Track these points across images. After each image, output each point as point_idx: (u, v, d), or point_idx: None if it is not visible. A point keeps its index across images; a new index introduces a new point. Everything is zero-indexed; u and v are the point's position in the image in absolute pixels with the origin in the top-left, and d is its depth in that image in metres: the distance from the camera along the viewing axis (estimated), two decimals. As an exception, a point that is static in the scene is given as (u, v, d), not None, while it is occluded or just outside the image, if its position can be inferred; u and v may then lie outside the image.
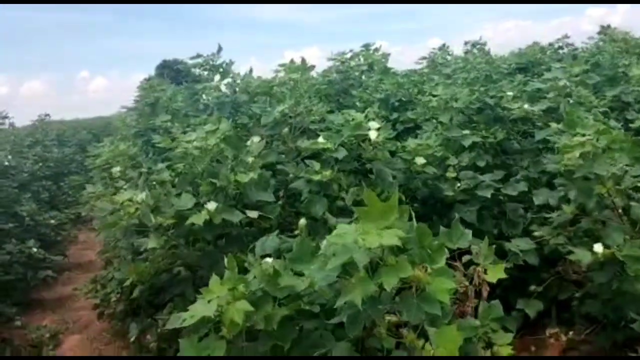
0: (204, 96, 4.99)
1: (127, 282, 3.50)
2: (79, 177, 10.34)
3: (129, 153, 4.78)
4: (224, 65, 4.64)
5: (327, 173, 3.52)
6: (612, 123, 4.12)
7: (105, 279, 4.93)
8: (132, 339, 4.09)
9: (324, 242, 2.01)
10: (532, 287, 3.89)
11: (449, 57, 8.07)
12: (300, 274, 2.12)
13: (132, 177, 4.48)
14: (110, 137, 7.11)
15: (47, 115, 15.12)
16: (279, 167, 3.84)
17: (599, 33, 8.09)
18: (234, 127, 4.40)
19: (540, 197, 3.86)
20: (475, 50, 8.02)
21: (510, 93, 4.31)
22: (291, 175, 3.75)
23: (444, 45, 8.41)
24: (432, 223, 4.09)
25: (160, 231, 3.34)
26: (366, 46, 6.89)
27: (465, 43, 8.43)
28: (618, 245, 2.98)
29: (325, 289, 1.97)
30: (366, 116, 3.78)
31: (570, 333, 3.86)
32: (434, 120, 4.59)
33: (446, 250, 2.52)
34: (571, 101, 4.21)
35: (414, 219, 1.89)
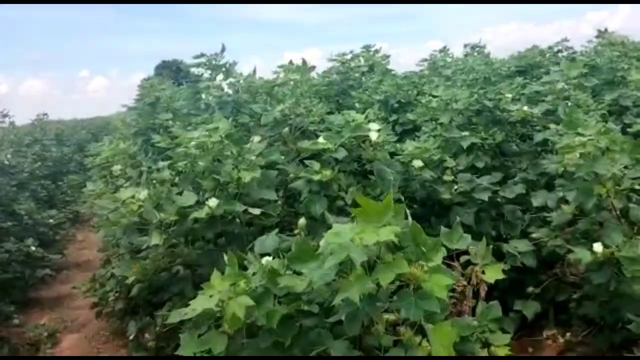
0: (204, 95, 5.00)
1: (128, 280, 3.50)
2: (78, 176, 10.36)
3: (129, 152, 4.79)
4: (227, 65, 4.65)
5: (328, 173, 3.54)
6: (610, 125, 4.16)
7: (104, 277, 4.94)
8: (130, 338, 4.10)
9: (322, 241, 2.03)
10: (530, 289, 3.91)
11: (449, 59, 8.09)
12: (299, 274, 2.14)
13: (131, 176, 4.49)
14: (109, 136, 7.12)
15: (45, 114, 15.18)
16: (279, 166, 3.85)
17: (597, 37, 8.11)
18: (234, 127, 4.43)
19: (538, 199, 3.88)
20: (475, 53, 8.05)
21: (509, 95, 4.34)
22: (291, 175, 3.77)
23: (444, 47, 8.44)
24: (430, 225, 4.16)
25: (161, 229, 3.35)
26: (367, 47, 6.93)
27: (465, 45, 8.47)
28: (617, 246, 3.00)
29: (324, 288, 1.99)
30: (366, 117, 3.80)
31: (568, 335, 3.88)
32: (434, 122, 4.61)
33: (444, 250, 2.58)
34: (569, 104, 4.23)
35: (409, 217, 1.91)
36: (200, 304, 2.01)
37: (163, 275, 3.78)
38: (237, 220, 3.51)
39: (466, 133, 4.28)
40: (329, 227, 2.17)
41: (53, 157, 11.56)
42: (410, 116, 5.06)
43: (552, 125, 3.93)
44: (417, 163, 3.88)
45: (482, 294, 2.48)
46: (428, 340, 1.93)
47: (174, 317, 2.19)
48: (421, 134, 4.66)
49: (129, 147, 4.82)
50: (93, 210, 4.16)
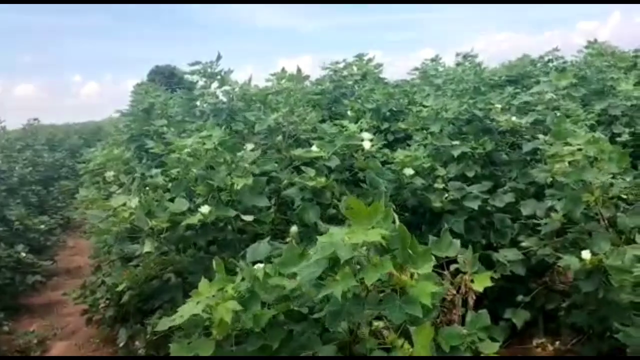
0: (198, 103, 5.02)
1: (119, 288, 3.51)
2: (69, 182, 10.32)
3: (123, 158, 4.79)
4: (222, 73, 4.69)
5: (322, 180, 3.56)
6: (599, 135, 4.21)
7: (94, 284, 4.92)
8: (120, 345, 4.08)
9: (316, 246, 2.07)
10: (520, 297, 3.95)
11: (440, 69, 8.15)
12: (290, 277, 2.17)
13: (124, 182, 4.49)
14: (101, 142, 7.11)
15: (36, 119, 15.16)
16: (272, 174, 3.87)
17: (586, 47, 8.21)
18: (229, 134, 4.46)
19: (527, 207, 3.92)
20: (466, 63, 8.12)
21: (498, 105, 4.39)
22: (284, 182, 3.79)
23: (436, 56, 8.51)
24: (421, 232, 4.19)
25: (153, 236, 3.36)
26: (359, 56, 6.98)
27: (457, 55, 8.53)
28: (605, 254, 3.04)
29: (311, 287, 2.01)
30: (359, 127, 3.84)
31: (557, 343, 3.92)
32: (425, 131, 4.65)
33: (434, 258, 2.60)
34: (558, 114, 4.28)
35: (397, 220, 1.94)
36: (188, 310, 2.04)
37: (154, 283, 3.78)
38: (229, 227, 3.53)
39: (457, 142, 4.33)
40: (322, 234, 2.22)
41: (45, 163, 11.51)
42: (401, 125, 5.10)
43: (541, 135, 3.97)
44: (409, 171, 3.92)
45: (471, 302, 2.50)
46: (411, 343, 1.96)
47: (163, 324, 2.20)
48: (412, 143, 4.70)
49: (122, 153, 4.83)
50: (85, 216, 4.16)
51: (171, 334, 2.33)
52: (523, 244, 3.84)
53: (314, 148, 3.72)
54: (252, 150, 3.66)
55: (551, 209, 3.70)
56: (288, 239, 3.10)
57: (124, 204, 3.40)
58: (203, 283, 2.26)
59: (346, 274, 1.87)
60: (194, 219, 3.11)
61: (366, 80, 6.56)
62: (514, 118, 4.32)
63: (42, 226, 8.05)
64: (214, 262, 2.38)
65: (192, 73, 4.56)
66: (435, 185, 4.03)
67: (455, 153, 4.28)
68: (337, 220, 3.55)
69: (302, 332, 2.17)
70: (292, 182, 3.60)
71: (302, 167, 3.60)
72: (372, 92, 5.83)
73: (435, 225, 4.13)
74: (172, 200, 3.37)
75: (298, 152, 3.79)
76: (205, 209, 3.17)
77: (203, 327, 2.15)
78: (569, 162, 3.13)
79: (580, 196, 3.14)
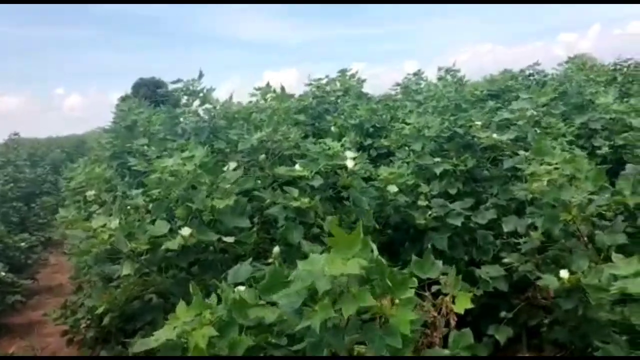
0: (182, 120, 5.00)
1: (98, 311, 3.46)
2: (52, 198, 10.19)
3: (104, 176, 4.74)
4: (204, 90, 4.68)
5: (306, 200, 3.56)
6: (577, 151, 4.28)
7: (75, 304, 4.84)
8: (102, 367, 4.02)
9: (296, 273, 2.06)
10: (503, 314, 3.97)
11: (422, 83, 8.23)
12: (273, 304, 2.15)
13: (106, 201, 4.44)
14: (84, 157, 7.04)
15: (16, 134, 14.98)
16: (255, 193, 3.86)
17: (567, 62, 8.38)
18: (211, 152, 4.44)
19: (509, 224, 3.96)
20: (448, 77, 8.21)
21: (478, 123, 4.44)
22: (267, 201, 3.78)
23: (418, 70, 8.59)
24: (404, 249, 4.20)
25: (133, 258, 3.33)
26: (342, 71, 7.03)
27: (439, 69, 8.62)
28: (583, 272, 3.07)
29: (292, 317, 2.00)
30: (342, 145, 3.86)
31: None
32: (407, 148, 4.68)
33: (416, 280, 2.61)
34: (538, 131, 4.34)
35: (375, 250, 1.94)
36: (163, 334, 2.03)
37: (135, 304, 3.74)
38: (211, 248, 3.50)
39: (438, 159, 4.36)
40: (305, 255, 2.22)
41: (26, 178, 11.36)
42: (384, 142, 5.13)
43: (522, 152, 4.02)
44: (392, 188, 3.93)
45: (453, 323, 2.50)
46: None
47: (139, 346, 2.18)
48: (396, 160, 4.73)
49: (104, 171, 4.77)
50: (65, 237, 4.11)
51: (154, 355, 2.31)
52: (505, 260, 3.88)
53: (297, 167, 3.72)
54: (234, 169, 3.65)
55: (532, 225, 3.75)
56: (270, 260, 3.09)
57: (104, 225, 3.36)
58: (181, 307, 2.25)
59: (325, 305, 1.86)
60: (174, 243, 3.08)
61: (349, 95, 6.59)
62: (494, 135, 4.37)
63: (23, 244, 7.94)
64: (190, 286, 2.37)
65: (174, 91, 4.54)
66: (419, 202, 4.05)
67: (438, 170, 4.32)
68: (321, 240, 3.56)
69: (282, 357, 2.15)
70: (274, 202, 3.58)
71: (285, 188, 3.60)
72: (355, 108, 5.86)
73: (418, 242, 4.16)
74: (152, 222, 3.33)
75: (281, 170, 3.79)
76: (185, 231, 3.14)
77: (181, 349, 2.14)
78: (547, 182, 3.16)
79: (558, 215, 3.18)
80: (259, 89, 5.31)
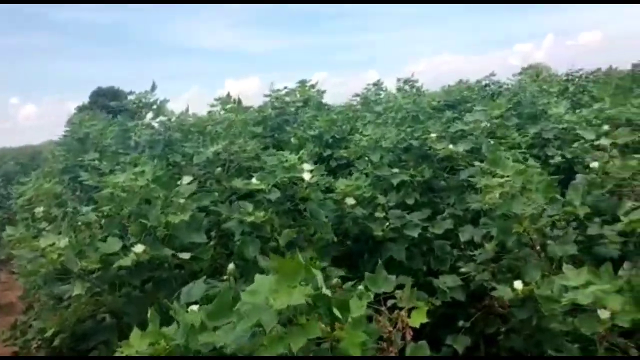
0: (138, 133, 4.88)
1: (48, 333, 3.32)
2: (2, 212, 9.79)
3: (54, 191, 4.58)
4: (157, 102, 4.58)
5: (261, 214, 3.52)
6: (531, 162, 4.38)
7: (25, 324, 4.65)
8: (53, 389, 3.86)
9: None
10: (461, 323, 4.01)
11: (382, 93, 8.33)
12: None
13: (56, 217, 4.29)
14: (38, 169, 6.80)
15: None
16: (211, 207, 3.80)
17: (520, 73, 8.65)
18: (166, 166, 4.34)
19: (465, 234, 4.01)
20: (406, 87, 8.34)
21: (434, 135, 4.50)
22: (224, 216, 3.72)
23: (378, 81, 8.69)
24: (363, 261, 4.21)
25: (83, 277, 3.22)
26: (302, 82, 7.02)
27: (398, 80, 8.74)
28: (536, 282, 3.13)
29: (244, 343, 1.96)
30: (299, 157, 3.84)
31: (497, 368, 3.98)
32: (366, 159, 4.71)
33: (371, 295, 2.61)
34: (492, 142, 4.43)
35: (320, 278, 1.90)
36: (117, 366, 1.94)
37: (87, 324, 3.61)
38: (166, 265, 3.42)
39: (396, 170, 4.40)
40: (262, 270, 2.18)
41: (-24, 192, 10.92)
42: (343, 153, 5.14)
43: (476, 163, 4.09)
44: (350, 201, 3.94)
45: (408, 337, 2.51)
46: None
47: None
48: (355, 171, 4.74)
49: (53, 187, 4.61)
50: (13, 255, 3.93)
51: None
52: (462, 270, 3.92)
53: (254, 180, 3.68)
54: (189, 183, 3.58)
55: (488, 234, 3.81)
56: (225, 277, 3.03)
57: (53, 244, 3.24)
58: (134, 334, 2.17)
59: (272, 338, 1.83)
60: (126, 261, 2.99)
61: (309, 106, 6.59)
62: (450, 146, 4.44)
63: (-29, 261, 7.59)
64: (153, 304, 2.31)
65: (128, 103, 4.44)
66: (376, 214, 4.07)
67: (395, 181, 4.35)
68: (279, 253, 3.52)
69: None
70: (230, 217, 3.53)
71: (240, 202, 3.55)
72: (315, 119, 5.86)
73: (377, 253, 4.16)
74: (104, 239, 3.23)
75: (238, 183, 3.74)
76: (138, 248, 3.06)
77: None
78: (499, 194, 3.22)
79: (510, 226, 3.24)
80: (218, 99, 5.25)
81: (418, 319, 2.48)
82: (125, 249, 3.23)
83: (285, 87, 6.60)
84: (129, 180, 3.32)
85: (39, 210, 4.20)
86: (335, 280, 2.84)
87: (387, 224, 4.06)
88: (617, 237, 3.35)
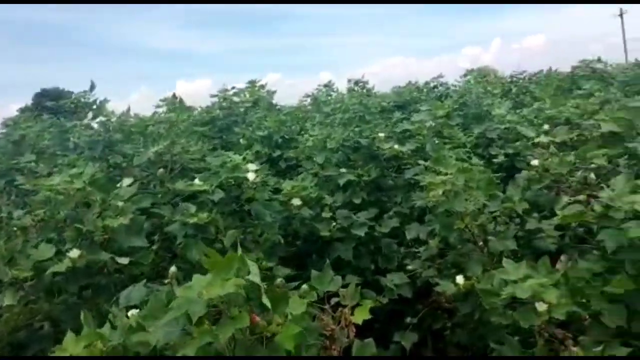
0: (77, 134, 4.70)
1: (-23, 345, 3.14)
2: None
3: (-13, 196, 4.36)
4: (97, 102, 4.43)
5: (204, 216, 3.45)
6: (475, 160, 4.49)
7: (-44, 337, 4.39)
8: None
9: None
10: (408, 319, 4.05)
11: (333, 94, 8.37)
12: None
13: (-11, 222, 4.07)
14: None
15: None
16: (153, 209, 3.70)
17: (465, 75, 8.89)
18: (107, 168, 4.20)
19: (412, 231, 4.06)
20: (356, 88, 8.41)
21: (381, 134, 4.55)
22: (166, 218, 3.63)
23: (329, 82, 8.75)
24: (311, 261, 4.19)
25: (15, 286, 3.06)
26: (251, 82, 6.97)
27: (349, 81, 8.82)
28: (477, 277, 3.19)
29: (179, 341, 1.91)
30: (244, 158, 3.79)
31: (444, 363, 4.05)
32: (313, 159, 4.70)
33: (315, 294, 2.60)
34: (437, 141, 4.51)
35: (254, 269, 1.89)
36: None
37: (22, 334, 3.45)
38: (105, 270, 3.30)
39: (344, 170, 4.41)
40: (206, 271, 2.13)
41: None
42: (292, 153, 5.13)
43: (421, 161, 4.15)
44: (296, 201, 3.92)
45: (351, 335, 2.50)
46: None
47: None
48: (303, 171, 4.73)
49: (-14, 191, 4.39)
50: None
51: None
52: (409, 267, 3.97)
53: (196, 181, 3.61)
54: (129, 185, 3.47)
55: (433, 232, 3.87)
56: (166, 281, 2.95)
57: (-20, 252, 3.07)
58: (69, 337, 2.10)
59: (203, 330, 1.79)
60: (61, 267, 2.86)
61: (258, 106, 6.54)
62: (396, 146, 4.49)
63: None
64: (82, 314, 2.22)
65: (66, 102, 4.27)
66: (323, 214, 4.06)
67: (342, 181, 4.37)
68: (224, 254, 3.45)
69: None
70: (173, 219, 3.44)
71: (183, 204, 3.47)
72: (264, 120, 5.82)
73: (325, 253, 4.16)
74: (36, 245, 3.08)
75: (180, 185, 3.65)
76: (74, 253, 2.93)
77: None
78: (442, 191, 3.27)
79: (452, 223, 3.30)
80: (164, 99, 5.14)
81: (361, 316, 2.48)
82: (61, 254, 3.10)
83: (233, 87, 6.53)
84: (64, 182, 3.18)
85: (-31, 216, 3.97)
86: (279, 280, 2.81)
87: (334, 224, 4.06)
88: (554, 231, 3.46)
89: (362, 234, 4.02)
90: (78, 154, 4.10)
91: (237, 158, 3.73)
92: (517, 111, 6.64)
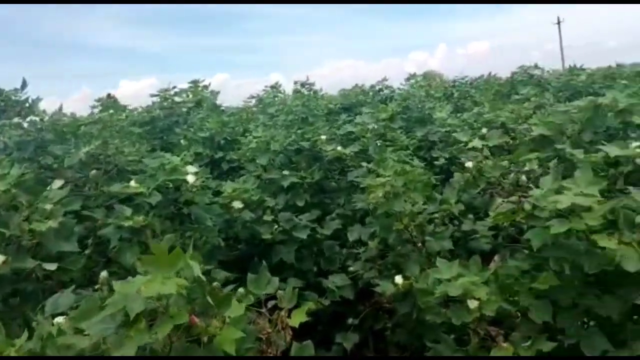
0: (3, 134, 4.47)
1: None
2: None
3: None
4: (29, 101, 4.22)
5: (140, 219, 3.35)
6: (416, 162, 4.57)
7: None
8: None
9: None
10: (350, 320, 4.08)
11: (280, 95, 8.34)
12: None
13: None
14: None
15: None
16: (86, 212, 3.55)
17: (408, 79, 9.07)
18: (38, 169, 4.01)
19: (354, 233, 4.09)
20: (303, 90, 8.41)
21: (323, 137, 4.56)
22: (100, 222, 3.50)
23: (276, 83, 8.71)
24: (253, 264, 4.15)
25: None
26: (194, 82, 6.83)
27: (295, 82, 8.81)
28: (415, 276, 3.25)
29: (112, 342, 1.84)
30: (182, 159, 3.70)
31: (385, 363, 4.10)
32: (256, 161, 4.66)
33: (251, 297, 2.56)
34: (380, 143, 4.57)
35: (197, 269, 1.85)
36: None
37: (-59, 346, 3.23)
38: (34, 276, 3.14)
39: (286, 172, 4.39)
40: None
41: None
42: (234, 155, 5.06)
43: (364, 164, 4.19)
44: (237, 204, 3.87)
45: (288, 338, 2.48)
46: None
47: None
48: (246, 173, 4.68)
49: None
50: None
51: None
52: (350, 269, 4.00)
53: (132, 183, 3.49)
54: (61, 187, 3.31)
55: (374, 233, 3.91)
56: (97, 287, 2.84)
57: None
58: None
59: (140, 329, 1.74)
60: (-18, 274, 2.70)
61: (202, 107, 6.42)
62: (339, 148, 4.51)
63: None
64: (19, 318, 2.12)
65: (-1, 101, 4.05)
66: (265, 217, 4.03)
67: (285, 184, 4.35)
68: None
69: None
70: (107, 222, 3.32)
71: (117, 206, 3.36)
72: (207, 121, 5.72)
73: (268, 255, 4.13)
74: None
75: (115, 188, 3.53)
76: (-2, 259, 2.77)
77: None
78: (383, 193, 3.31)
79: (391, 224, 3.35)
80: (99, 100, 4.97)
81: (298, 318, 2.46)
82: (-15, 259, 2.92)
83: (174, 87, 6.38)
84: (-13, 184, 3.00)
85: None
86: (215, 283, 2.75)
87: (276, 226, 4.04)
88: (487, 231, 3.57)
89: (305, 237, 4.02)
90: (7, 154, 3.89)
91: (176, 160, 3.64)
92: (458, 115, 6.81)
